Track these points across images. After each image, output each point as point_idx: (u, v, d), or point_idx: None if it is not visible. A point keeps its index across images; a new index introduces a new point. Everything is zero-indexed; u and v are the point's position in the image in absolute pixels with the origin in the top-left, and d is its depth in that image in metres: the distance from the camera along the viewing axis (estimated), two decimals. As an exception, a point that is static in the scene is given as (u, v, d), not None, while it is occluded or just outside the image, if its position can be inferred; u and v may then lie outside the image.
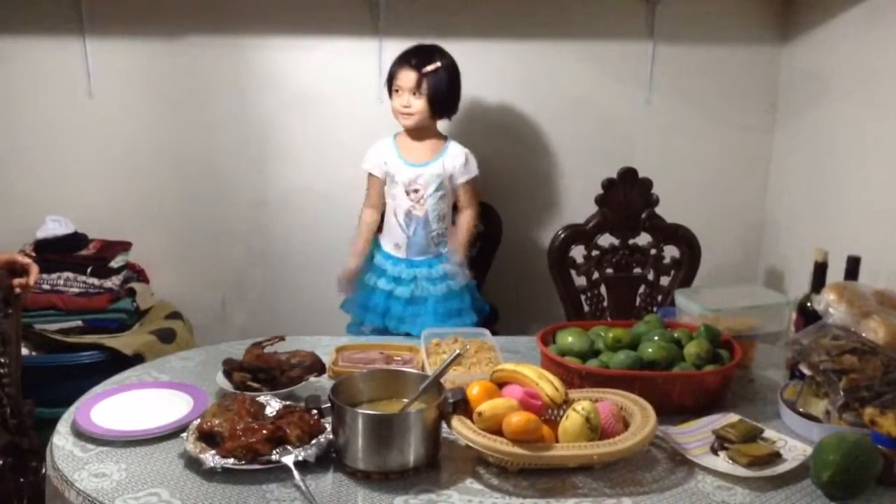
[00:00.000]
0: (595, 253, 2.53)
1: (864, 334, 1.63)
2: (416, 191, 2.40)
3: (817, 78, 2.61)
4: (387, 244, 2.47)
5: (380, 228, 2.52)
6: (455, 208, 2.50)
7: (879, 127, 2.28)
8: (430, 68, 2.37)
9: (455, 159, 2.42)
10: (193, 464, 1.44)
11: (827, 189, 2.54)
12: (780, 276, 2.83)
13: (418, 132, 2.43)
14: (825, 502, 1.39)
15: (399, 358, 1.93)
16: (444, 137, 2.48)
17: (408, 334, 2.31)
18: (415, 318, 2.39)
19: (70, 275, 2.54)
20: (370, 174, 2.47)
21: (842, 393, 1.55)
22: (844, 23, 2.47)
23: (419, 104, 2.37)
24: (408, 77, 2.36)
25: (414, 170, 2.40)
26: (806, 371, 1.64)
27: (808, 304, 1.83)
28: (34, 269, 1.95)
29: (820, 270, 1.90)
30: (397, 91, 2.39)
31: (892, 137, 2.22)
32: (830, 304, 1.70)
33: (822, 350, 1.62)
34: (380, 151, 2.45)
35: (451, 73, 2.41)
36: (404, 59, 2.39)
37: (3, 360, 1.91)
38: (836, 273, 1.90)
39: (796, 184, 2.75)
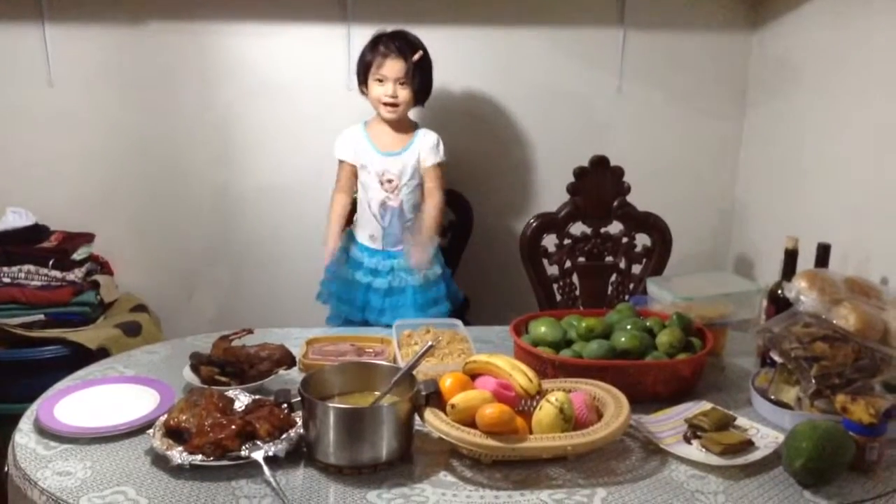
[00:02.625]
0: (567, 242, 2.52)
1: (834, 321, 1.64)
2: (389, 181, 2.37)
3: (787, 65, 2.62)
4: (362, 236, 2.44)
5: (354, 220, 2.49)
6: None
7: (849, 114, 2.29)
8: (417, 57, 2.33)
9: (425, 142, 2.39)
10: (160, 461, 1.41)
11: (796, 176, 2.56)
12: (750, 264, 2.85)
13: (394, 121, 2.39)
14: (797, 489, 1.39)
15: (371, 350, 1.91)
16: (415, 125, 2.45)
17: (388, 326, 2.27)
18: (395, 309, 2.35)
19: (31, 267, 2.48)
20: (341, 160, 2.43)
21: (813, 380, 1.55)
22: (814, 10, 2.48)
23: (405, 94, 2.33)
24: (396, 66, 2.31)
25: (387, 159, 2.37)
26: (777, 358, 1.64)
27: (780, 292, 1.84)
28: None
29: (791, 258, 1.92)
30: (380, 81, 2.34)
31: (862, 124, 2.24)
32: (801, 291, 1.70)
33: (793, 337, 1.63)
34: (350, 139, 2.41)
35: (429, 59, 2.39)
36: (387, 47, 2.32)
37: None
38: (806, 260, 1.91)
39: (766, 171, 2.76)
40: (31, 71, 2.64)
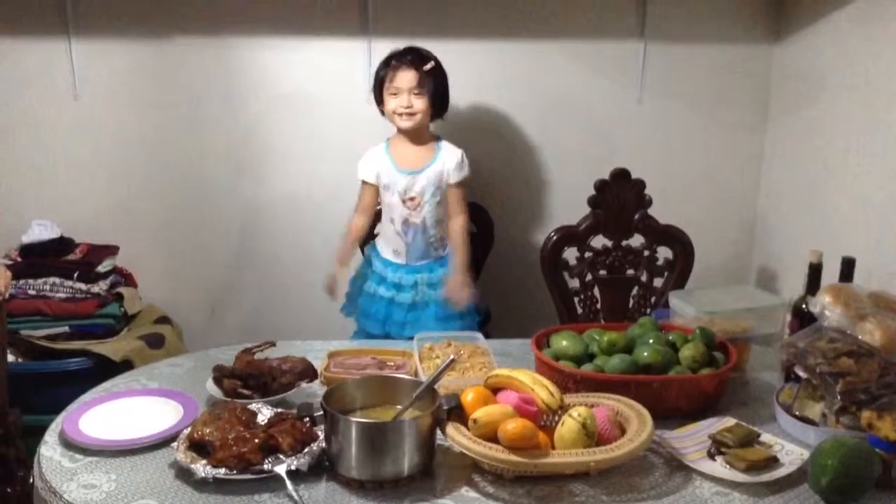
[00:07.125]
0: (588, 255, 2.52)
1: (860, 337, 1.62)
2: (412, 199, 2.38)
3: (809, 77, 2.60)
4: (385, 251, 2.45)
5: (376, 234, 2.50)
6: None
7: (871, 126, 2.28)
8: (429, 66, 2.34)
9: (450, 159, 2.40)
10: (184, 474, 1.41)
11: (819, 189, 2.54)
12: (772, 277, 2.83)
13: (415, 135, 2.40)
14: (823, 507, 1.38)
15: (392, 363, 1.91)
16: (436, 138, 2.46)
17: (410, 339, 2.27)
18: (416, 323, 2.36)
19: (56, 280, 2.51)
20: (364, 181, 2.45)
21: (838, 396, 1.54)
22: (835, 22, 2.46)
23: (421, 103, 2.34)
24: (408, 76, 2.33)
25: (409, 177, 2.38)
26: (802, 374, 1.63)
27: (804, 306, 1.82)
28: (4, 274, 1.93)
29: (815, 272, 1.90)
30: (395, 94, 2.35)
31: (884, 136, 2.22)
32: (826, 306, 1.69)
33: (818, 353, 1.61)
34: (373, 159, 2.42)
35: (443, 71, 2.40)
36: (398, 60, 2.35)
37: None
38: (830, 275, 1.89)
39: (788, 183, 2.75)
40: (56, 84, 2.68)
